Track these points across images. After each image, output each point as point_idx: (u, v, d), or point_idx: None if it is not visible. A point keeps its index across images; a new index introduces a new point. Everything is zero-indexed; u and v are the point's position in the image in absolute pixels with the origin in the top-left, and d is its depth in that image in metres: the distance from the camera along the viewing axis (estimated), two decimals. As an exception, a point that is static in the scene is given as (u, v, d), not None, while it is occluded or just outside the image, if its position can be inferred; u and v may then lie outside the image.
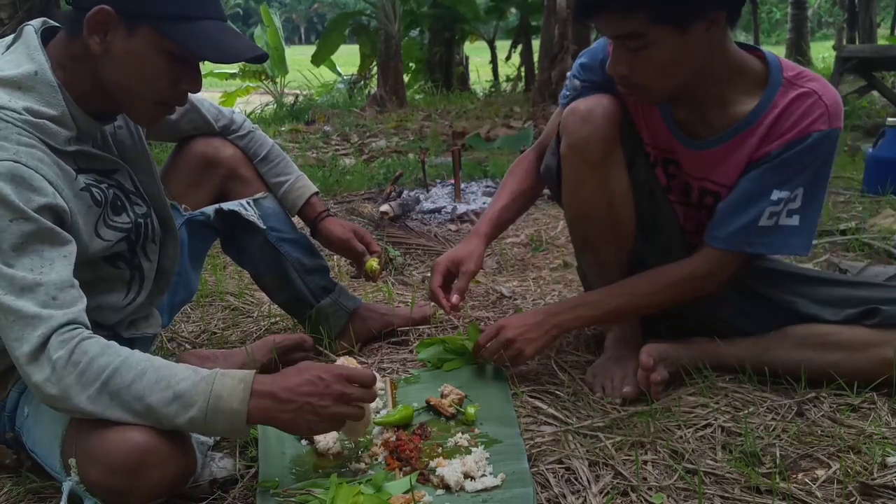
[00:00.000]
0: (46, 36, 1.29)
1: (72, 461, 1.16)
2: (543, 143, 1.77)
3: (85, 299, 1.19)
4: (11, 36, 1.29)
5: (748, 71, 1.47)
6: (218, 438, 1.41)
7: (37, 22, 1.29)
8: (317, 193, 1.85)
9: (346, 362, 1.56)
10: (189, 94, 1.70)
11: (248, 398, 1.15)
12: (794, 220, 1.45)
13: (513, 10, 10.52)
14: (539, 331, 1.57)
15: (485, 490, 1.23)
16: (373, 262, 1.82)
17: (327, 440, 1.36)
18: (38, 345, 1.11)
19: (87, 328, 1.16)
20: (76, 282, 1.18)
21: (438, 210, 3.38)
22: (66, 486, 1.16)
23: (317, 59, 10.34)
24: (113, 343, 1.17)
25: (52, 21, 1.30)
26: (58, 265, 1.16)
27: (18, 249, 1.13)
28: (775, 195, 1.44)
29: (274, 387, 1.18)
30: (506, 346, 1.56)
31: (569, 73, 1.70)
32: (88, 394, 1.12)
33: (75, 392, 1.12)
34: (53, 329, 1.12)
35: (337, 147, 5.70)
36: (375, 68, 10.30)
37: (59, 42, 1.27)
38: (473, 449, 1.35)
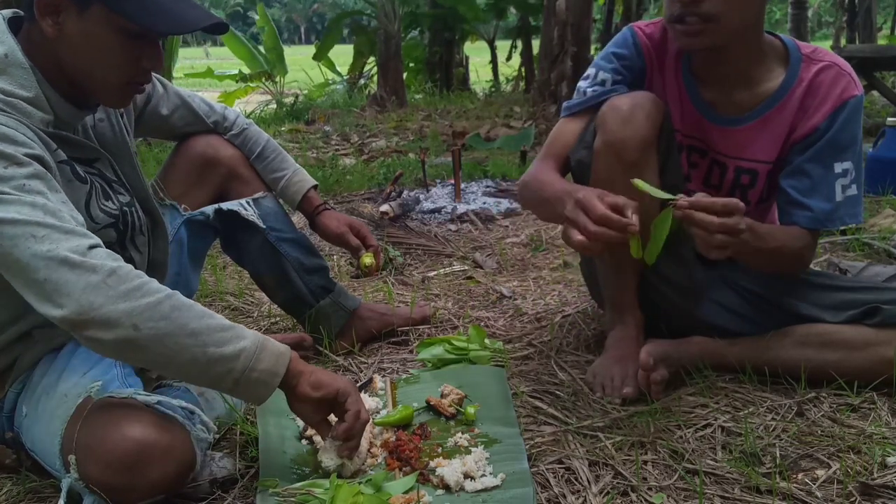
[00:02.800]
0: (17, 26, 1.26)
1: (71, 458, 1.15)
2: (557, 154, 1.66)
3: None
4: None
5: (772, 48, 1.55)
6: (216, 437, 1.41)
7: (7, 11, 1.27)
8: (315, 186, 1.85)
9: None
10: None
11: (289, 351, 1.23)
12: (854, 189, 1.51)
13: (512, 10, 10.51)
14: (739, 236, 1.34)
15: (485, 490, 1.23)
16: (365, 259, 1.81)
17: (330, 462, 1.28)
18: (86, 248, 1.09)
19: None
20: None
21: (438, 210, 3.38)
22: (66, 483, 1.16)
23: (317, 57, 10.42)
24: None
25: (22, 12, 1.27)
26: (64, 210, 1.13)
27: (22, 190, 1.10)
28: (838, 167, 1.50)
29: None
30: (729, 232, 1.30)
31: (582, 82, 1.64)
32: (148, 300, 1.09)
33: (131, 298, 1.08)
34: (96, 244, 1.11)
35: (337, 147, 5.69)
36: (369, 67, 10.31)
37: (23, 30, 1.25)
38: (473, 449, 1.35)
